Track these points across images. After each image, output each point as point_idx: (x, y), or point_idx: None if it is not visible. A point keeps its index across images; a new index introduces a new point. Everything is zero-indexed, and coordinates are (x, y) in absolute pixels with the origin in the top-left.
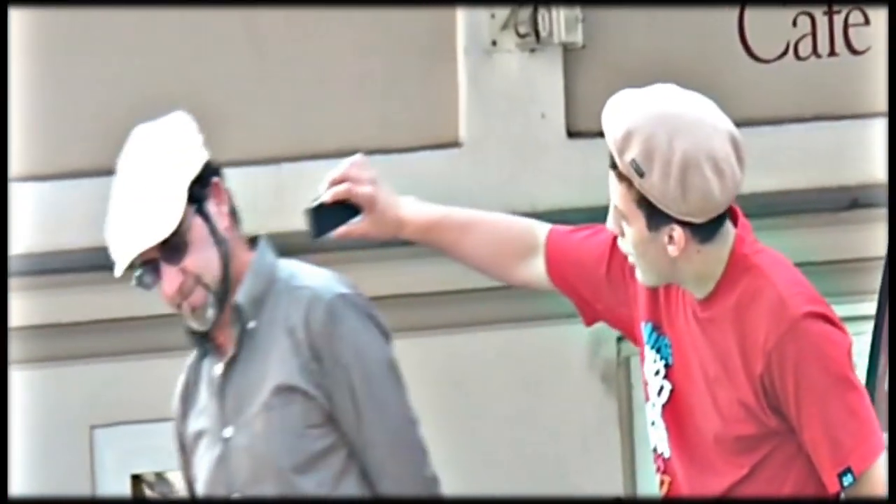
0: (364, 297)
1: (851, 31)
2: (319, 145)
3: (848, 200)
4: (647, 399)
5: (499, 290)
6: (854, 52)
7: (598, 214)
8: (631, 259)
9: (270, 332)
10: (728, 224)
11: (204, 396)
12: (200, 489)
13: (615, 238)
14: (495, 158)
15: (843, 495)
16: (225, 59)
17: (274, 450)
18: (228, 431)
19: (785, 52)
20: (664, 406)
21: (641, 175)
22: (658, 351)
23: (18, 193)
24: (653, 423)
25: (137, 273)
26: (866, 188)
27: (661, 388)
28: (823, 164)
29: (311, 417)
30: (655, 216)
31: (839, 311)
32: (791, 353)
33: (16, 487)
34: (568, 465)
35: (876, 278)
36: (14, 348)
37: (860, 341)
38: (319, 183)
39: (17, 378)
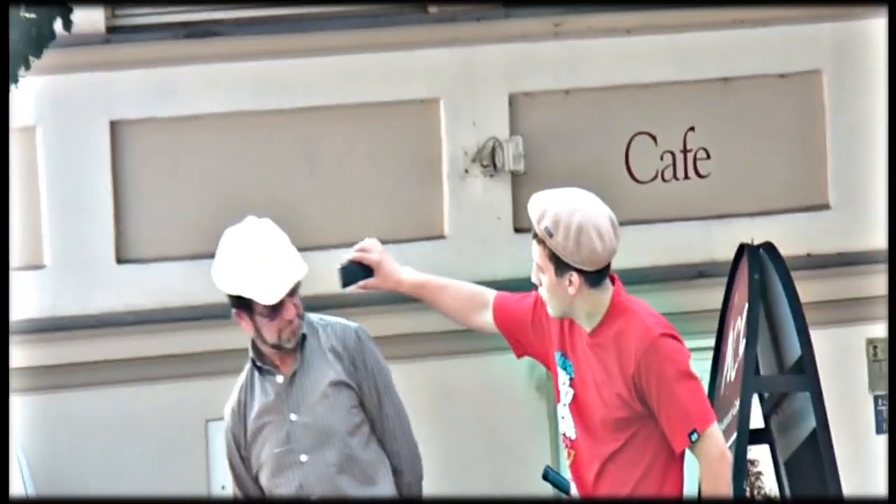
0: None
1: (699, 163)
2: (346, 236)
3: (695, 272)
4: (558, 401)
5: (466, 331)
6: (700, 176)
7: (529, 280)
8: (545, 298)
9: (316, 349)
10: (608, 282)
11: (262, 400)
12: (267, 458)
13: (538, 299)
14: (468, 246)
15: (690, 450)
16: (286, 171)
17: (334, 421)
18: (294, 416)
19: (655, 177)
20: (569, 404)
21: (551, 236)
22: (565, 369)
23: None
24: (563, 417)
25: (280, 300)
26: (708, 265)
27: (568, 393)
28: (680, 249)
29: (352, 401)
30: (561, 266)
31: (689, 344)
32: (652, 360)
33: (141, 474)
34: (514, 444)
35: (712, 323)
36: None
37: (702, 365)
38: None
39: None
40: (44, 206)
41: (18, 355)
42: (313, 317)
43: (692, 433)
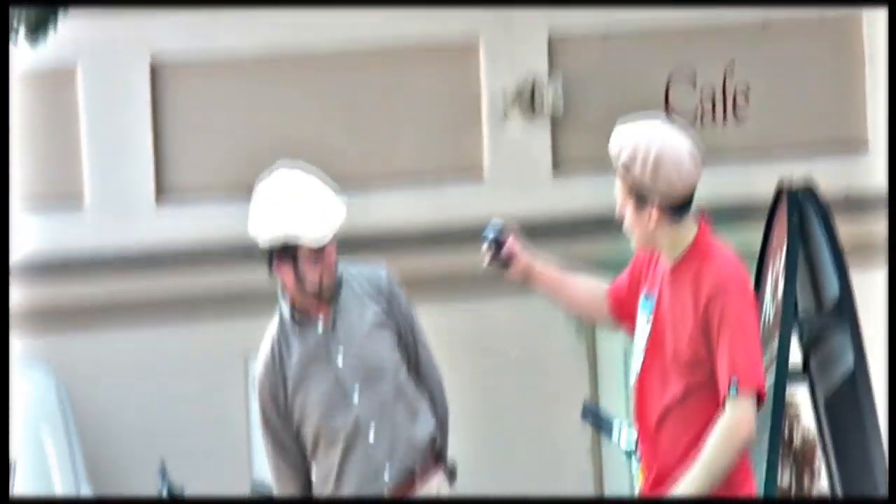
0: None
1: (738, 106)
2: (384, 179)
3: (734, 214)
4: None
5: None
6: (739, 119)
7: (569, 218)
8: (627, 232)
9: (351, 294)
10: (691, 219)
11: (301, 351)
12: (315, 405)
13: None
14: (507, 188)
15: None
16: (324, 114)
17: (383, 357)
18: (340, 361)
19: (694, 120)
20: (647, 339)
21: (629, 169)
22: (645, 309)
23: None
24: (635, 358)
25: (317, 247)
26: (747, 206)
27: (644, 332)
28: (719, 191)
29: (393, 340)
30: (640, 199)
31: None
32: (722, 303)
33: (183, 413)
34: (553, 385)
35: (751, 264)
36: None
37: None
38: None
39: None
40: (84, 146)
41: (58, 294)
42: (340, 266)
43: (733, 382)
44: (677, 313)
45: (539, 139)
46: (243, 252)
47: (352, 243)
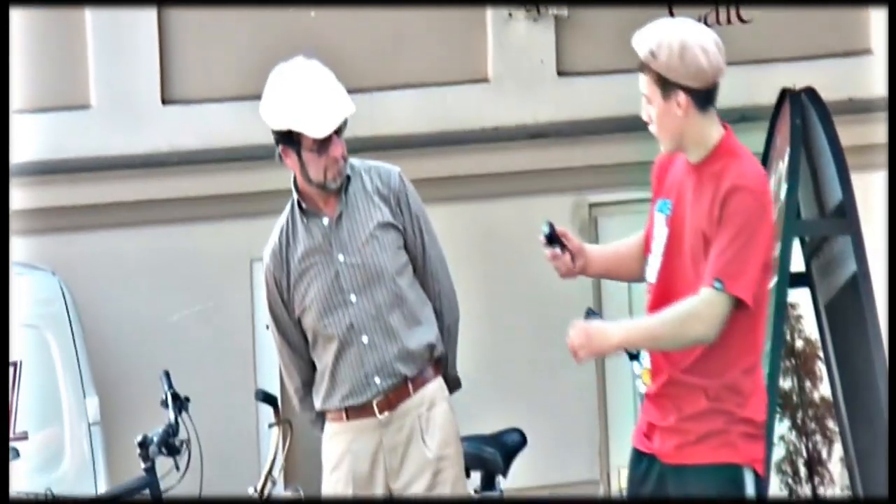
0: None
1: (742, 8)
2: (390, 79)
3: (738, 116)
4: (648, 252)
5: (508, 173)
6: (743, 21)
7: (575, 120)
8: (656, 133)
9: (359, 191)
10: (716, 115)
11: (306, 242)
12: (314, 299)
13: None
14: (511, 89)
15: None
16: (332, 14)
17: (383, 261)
18: (342, 257)
19: (699, 21)
20: (665, 242)
21: (655, 57)
22: (662, 211)
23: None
24: (649, 264)
25: (313, 146)
26: (750, 109)
27: (661, 235)
28: (722, 93)
29: (399, 241)
30: (667, 87)
31: None
32: (733, 202)
33: (188, 312)
34: (557, 285)
35: None
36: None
37: None
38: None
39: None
40: (90, 47)
41: (65, 193)
42: (355, 161)
43: (717, 280)
44: (698, 211)
45: (544, 40)
46: (249, 153)
47: (358, 146)
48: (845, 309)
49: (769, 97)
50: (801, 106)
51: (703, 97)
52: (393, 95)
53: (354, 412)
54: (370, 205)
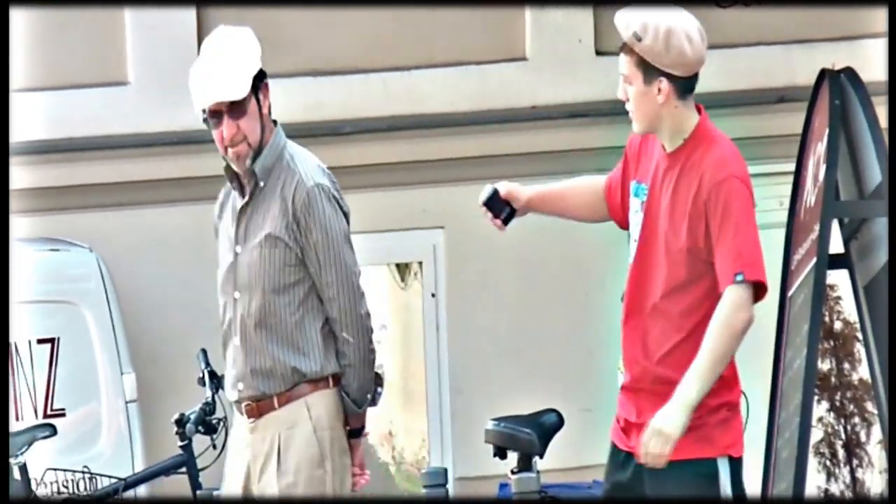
0: (335, 184)
1: None
2: (426, 59)
3: (776, 97)
4: (624, 226)
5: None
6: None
7: (611, 102)
8: (631, 113)
9: (273, 193)
10: (694, 103)
11: (228, 216)
12: (218, 275)
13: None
14: (549, 68)
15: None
16: None
17: (260, 275)
18: (238, 249)
19: (737, 0)
20: (640, 228)
21: (639, 40)
22: (637, 195)
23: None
24: (630, 245)
25: (205, 115)
26: (789, 89)
27: (637, 219)
28: (761, 74)
29: (288, 259)
30: (650, 71)
31: (769, 168)
32: (723, 192)
33: None
34: (592, 251)
35: (793, 148)
36: None
37: (782, 190)
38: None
39: None
40: (128, 24)
41: (104, 170)
42: (298, 152)
43: (738, 274)
44: (675, 200)
45: (582, 19)
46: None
47: (397, 125)
48: (884, 291)
49: (808, 78)
50: (840, 87)
51: (685, 85)
52: (430, 74)
53: (235, 405)
54: (272, 209)
